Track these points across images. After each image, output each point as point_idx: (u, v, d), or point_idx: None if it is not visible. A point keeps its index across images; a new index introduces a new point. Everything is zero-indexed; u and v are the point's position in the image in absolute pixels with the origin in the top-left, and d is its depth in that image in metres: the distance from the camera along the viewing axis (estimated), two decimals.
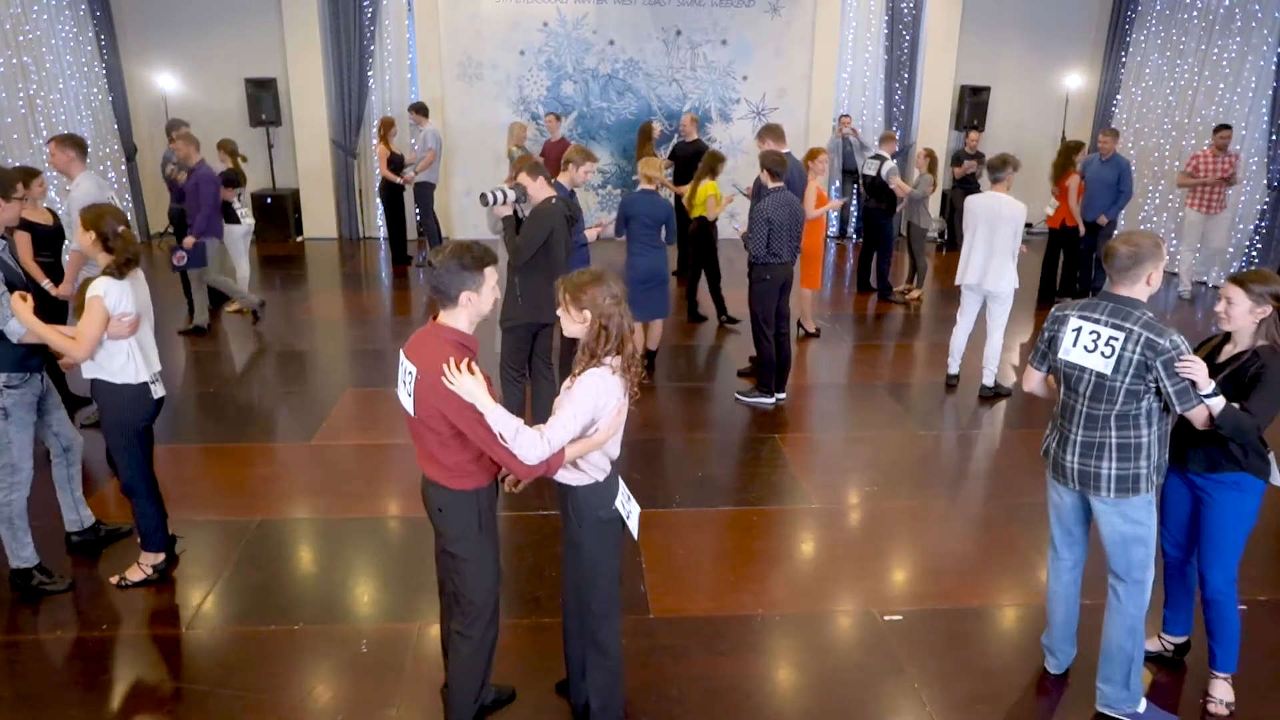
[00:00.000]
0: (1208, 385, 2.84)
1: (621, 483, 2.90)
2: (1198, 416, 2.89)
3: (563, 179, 5.50)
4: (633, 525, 2.90)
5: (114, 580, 3.95)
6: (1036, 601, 3.92)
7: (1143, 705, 3.16)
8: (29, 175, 4.10)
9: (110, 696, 3.29)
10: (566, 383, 2.73)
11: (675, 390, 6.50)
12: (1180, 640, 3.53)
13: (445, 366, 2.50)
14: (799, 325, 7.61)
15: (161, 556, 4.00)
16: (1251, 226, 9.50)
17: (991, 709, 3.31)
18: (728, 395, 6.34)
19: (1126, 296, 2.92)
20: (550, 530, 4.50)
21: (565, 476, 2.75)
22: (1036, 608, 3.86)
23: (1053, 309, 3.15)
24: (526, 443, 2.52)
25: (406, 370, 2.65)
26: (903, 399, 6.45)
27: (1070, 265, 8.96)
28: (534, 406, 5.21)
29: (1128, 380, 2.86)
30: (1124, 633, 3.11)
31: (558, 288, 2.71)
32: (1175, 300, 9.40)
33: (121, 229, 3.57)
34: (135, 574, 3.95)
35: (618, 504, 2.82)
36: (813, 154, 7.39)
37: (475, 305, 2.64)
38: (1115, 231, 9.17)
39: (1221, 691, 3.27)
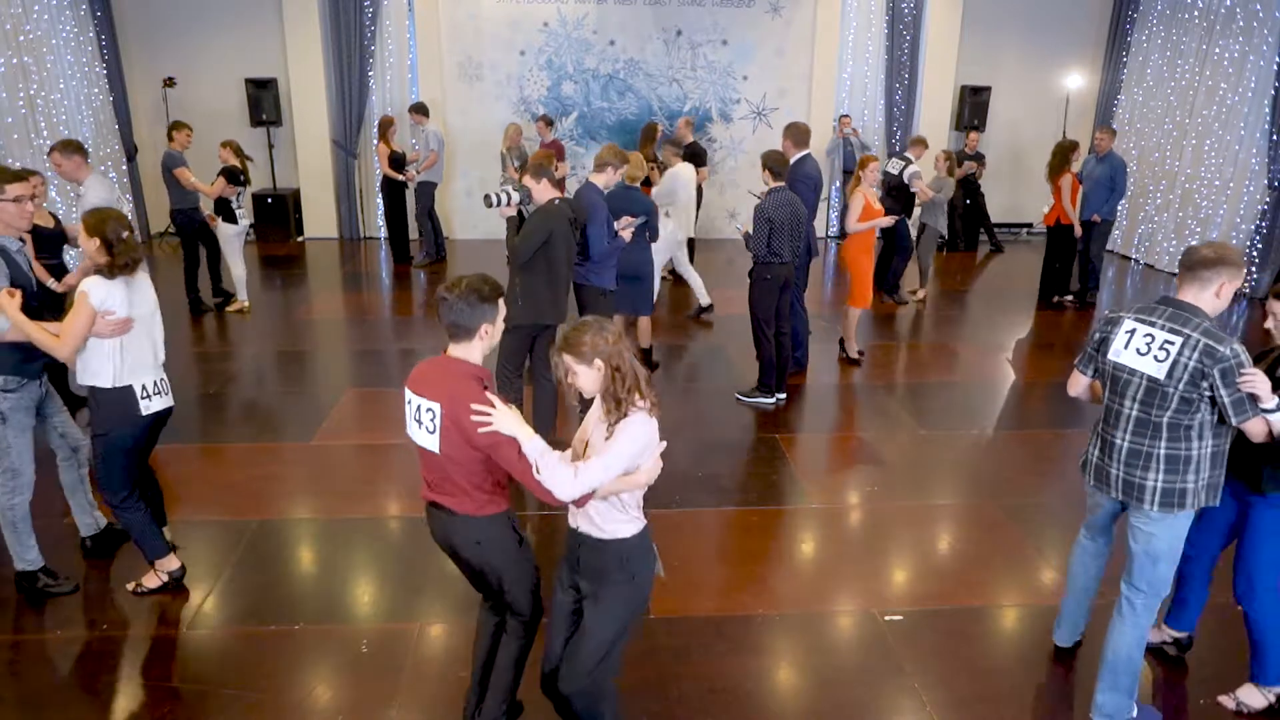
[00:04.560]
0: (1271, 400, 2.74)
1: None
2: (1255, 430, 2.80)
3: (597, 179, 5.46)
4: (659, 565, 2.78)
5: (130, 587, 3.91)
6: (1036, 602, 3.92)
7: (1135, 710, 3.14)
8: (17, 177, 3.93)
9: (111, 696, 3.29)
10: (600, 431, 2.58)
11: (675, 390, 6.49)
12: (1182, 635, 3.54)
13: (475, 408, 2.49)
14: (840, 347, 7.18)
15: (176, 563, 3.94)
16: (1252, 227, 9.50)
17: (991, 709, 3.31)
18: (728, 395, 6.34)
19: (1189, 303, 2.84)
20: (551, 531, 4.50)
21: (617, 529, 2.60)
22: (1037, 608, 3.86)
23: (1105, 311, 3.10)
24: (561, 479, 2.45)
25: (424, 409, 2.59)
26: (903, 399, 6.45)
27: (1067, 263, 8.96)
28: (534, 410, 5.21)
29: (1181, 387, 2.78)
30: (1134, 644, 3.06)
31: (554, 356, 2.57)
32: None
33: (126, 234, 3.51)
34: (152, 580, 3.91)
35: (653, 544, 2.73)
36: (863, 162, 6.93)
37: (490, 337, 2.64)
38: (1112, 229, 9.18)
39: (1247, 694, 3.25)
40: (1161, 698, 3.37)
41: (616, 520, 2.60)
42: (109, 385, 3.56)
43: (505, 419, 2.49)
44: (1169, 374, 2.79)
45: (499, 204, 4.85)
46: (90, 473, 4.21)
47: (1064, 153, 8.63)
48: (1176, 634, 3.54)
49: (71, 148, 5.45)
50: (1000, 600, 4.00)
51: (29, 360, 3.64)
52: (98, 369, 3.55)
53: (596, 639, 2.64)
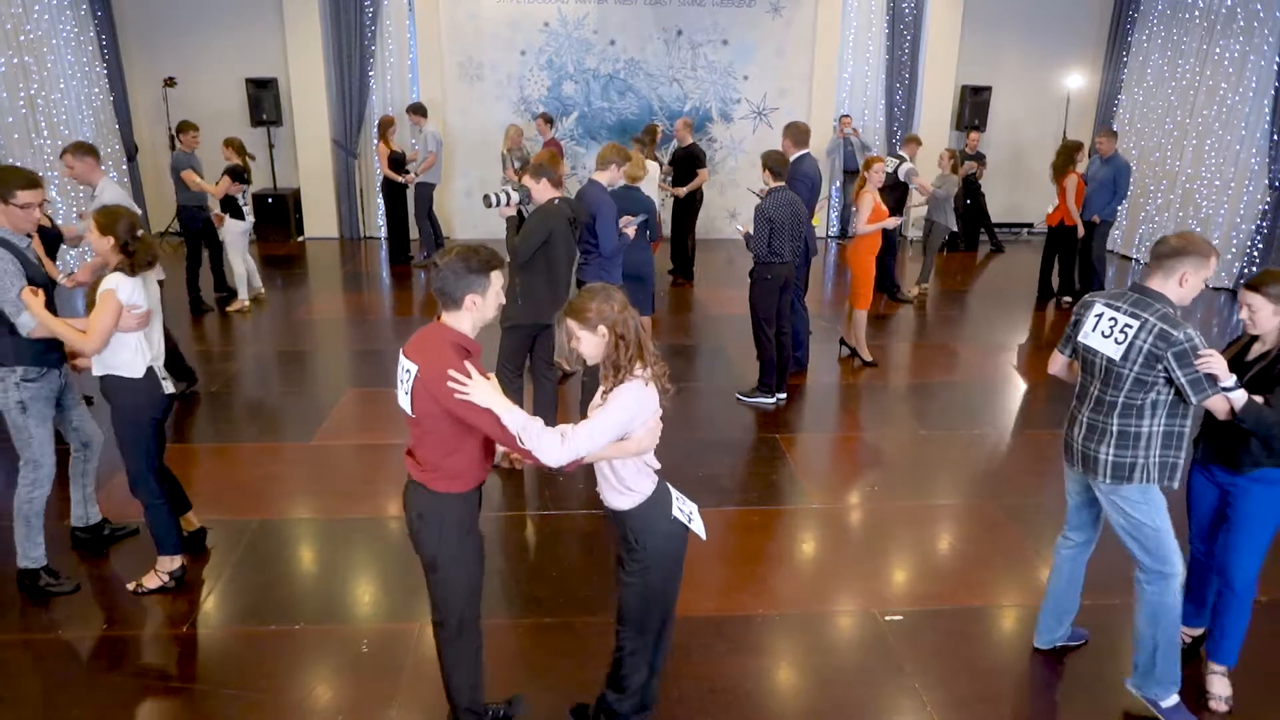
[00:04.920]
0: (1229, 378, 2.87)
1: (673, 489, 2.81)
2: (1217, 407, 2.93)
3: (600, 177, 5.45)
4: (696, 526, 2.78)
5: (131, 586, 3.91)
6: (1036, 602, 3.91)
7: (1172, 700, 3.17)
8: (30, 184, 3.92)
9: (111, 696, 3.29)
10: (597, 399, 2.65)
11: (676, 390, 6.48)
12: (1198, 632, 3.57)
13: (451, 374, 2.47)
14: (852, 352, 7.11)
15: (179, 563, 3.94)
16: (1253, 227, 9.49)
17: (991, 709, 3.31)
18: (728, 395, 6.34)
19: (1154, 290, 2.97)
20: (551, 531, 4.50)
21: (615, 501, 2.68)
22: (1036, 608, 3.85)
23: (1085, 296, 3.22)
24: (547, 445, 2.47)
25: (405, 368, 2.61)
26: (904, 398, 6.45)
27: (1068, 264, 8.93)
28: (534, 408, 5.20)
29: (1136, 369, 2.92)
30: (1145, 619, 3.15)
31: (560, 322, 2.62)
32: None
33: (140, 233, 3.58)
34: (152, 580, 3.91)
35: (675, 512, 2.73)
36: (869, 163, 6.84)
37: (479, 309, 2.59)
38: (1112, 230, 9.17)
39: (1219, 687, 3.30)
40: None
41: (610, 492, 2.67)
42: (140, 375, 3.64)
43: (482, 390, 2.47)
44: (1124, 355, 2.94)
45: (498, 204, 4.85)
46: (96, 470, 4.25)
47: (1069, 153, 8.59)
48: (1193, 632, 3.57)
49: (84, 150, 5.41)
50: (1000, 600, 4.00)
51: (49, 350, 3.70)
52: (127, 361, 3.62)
53: (623, 602, 2.76)
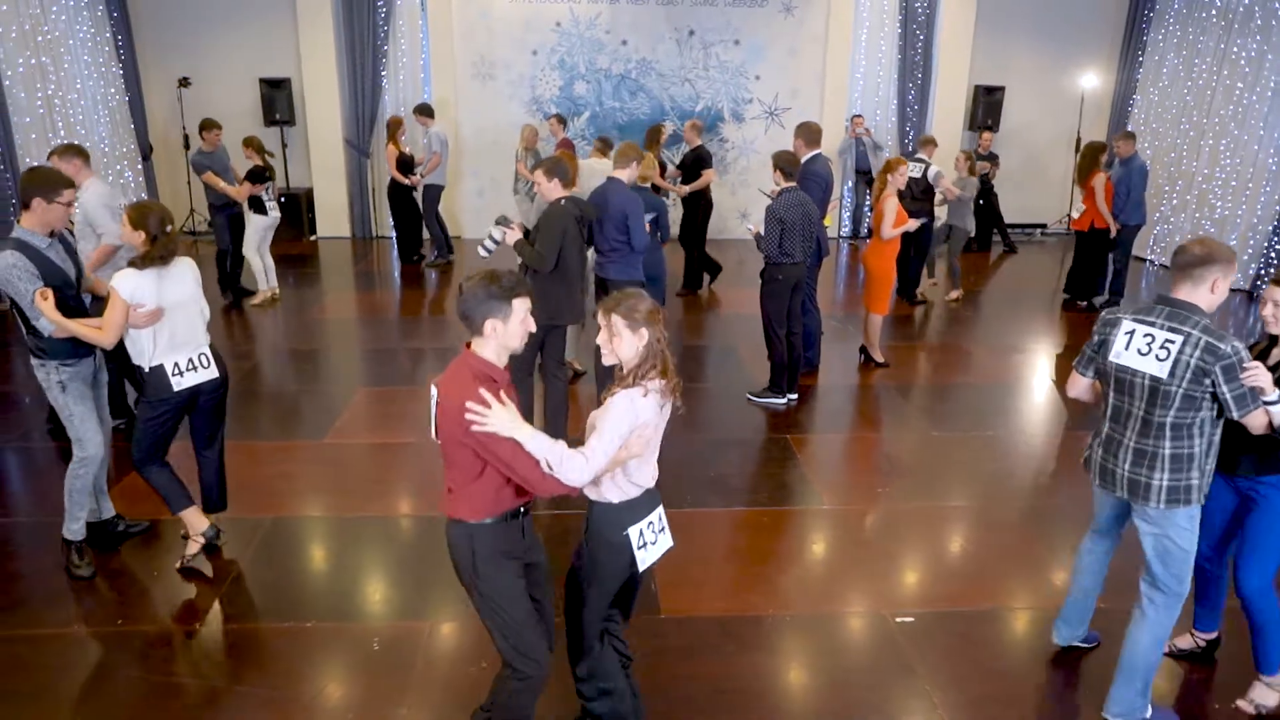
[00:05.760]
0: (1273, 392, 2.78)
1: (656, 514, 2.79)
2: (1255, 422, 2.83)
3: (620, 174, 5.45)
4: (644, 556, 2.74)
5: (177, 565, 4.08)
6: (1048, 604, 3.90)
7: (1149, 711, 3.14)
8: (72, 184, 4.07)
9: (124, 692, 3.32)
10: (601, 410, 2.65)
11: (687, 390, 6.47)
12: (1212, 636, 3.53)
13: (469, 406, 2.42)
14: (864, 354, 7.11)
15: (205, 522, 4.11)
16: (1270, 228, 9.41)
17: (1003, 710, 3.29)
18: (739, 395, 6.34)
19: (1185, 301, 2.85)
20: (559, 530, 4.51)
21: (589, 491, 2.71)
22: (1048, 610, 3.84)
23: (1102, 314, 3.09)
24: (574, 468, 2.47)
25: (432, 395, 2.58)
26: (916, 400, 6.43)
27: (1096, 269, 8.73)
28: (545, 408, 5.22)
29: (1184, 385, 2.79)
30: (1151, 643, 3.07)
31: (606, 312, 2.61)
32: None
33: (170, 228, 3.74)
34: (191, 548, 4.11)
35: (630, 530, 2.70)
36: (892, 165, 6.77)
37: (501, 336, 2.52)
38: (1136, 235, 9.07)
39: (1260, 694, 3.25)
40: (1183, 702, 3.34)
41: (592, 485, 2.68)
42: (146, 367, 3.83)
43: (501, 419, 2.44)
44: (1171, 372, 2.80)
45: (497, 246, 4.93)
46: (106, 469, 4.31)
47: (1094, 153, 8.43)
48: (1207, 636, 3.53)
49: (71, 151, 5.43)
50: (1012, 602, 3.98)
51: (81, 343, 3.85)
52: (140, 351, 3.82)
53: (570, 583, 2.89)
